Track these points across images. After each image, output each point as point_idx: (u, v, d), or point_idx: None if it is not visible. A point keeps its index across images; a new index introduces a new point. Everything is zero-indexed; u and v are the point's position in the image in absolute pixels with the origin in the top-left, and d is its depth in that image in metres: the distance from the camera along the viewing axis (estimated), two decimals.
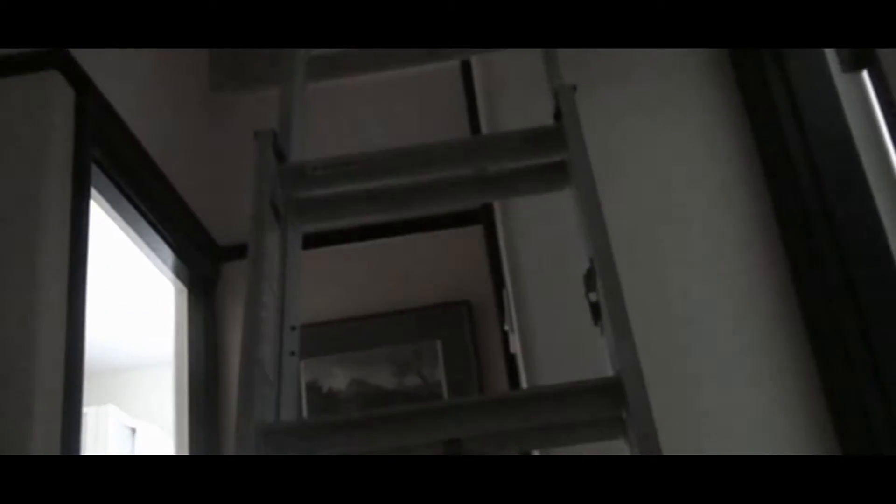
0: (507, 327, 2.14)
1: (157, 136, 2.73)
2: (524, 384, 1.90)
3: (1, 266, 2.00)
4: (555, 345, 1.79)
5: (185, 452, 2.87)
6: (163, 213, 2.76)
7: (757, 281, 1.83)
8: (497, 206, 2.12)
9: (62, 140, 2.16)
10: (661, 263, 1.84)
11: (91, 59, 2.30)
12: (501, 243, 2.07)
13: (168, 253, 2.87)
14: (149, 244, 2.78)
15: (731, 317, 1.81)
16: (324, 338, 3.00)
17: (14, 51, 2.16)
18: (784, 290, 1.81)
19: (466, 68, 2.39)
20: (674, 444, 1.16)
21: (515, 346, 2.01)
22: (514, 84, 2.01)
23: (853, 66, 1.87)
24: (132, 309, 4.55)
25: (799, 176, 1.88)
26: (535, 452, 1.65)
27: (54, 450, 1.90)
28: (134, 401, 5.13)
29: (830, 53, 1.90)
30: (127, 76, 2.64)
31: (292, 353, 1.30)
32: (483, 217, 2.42)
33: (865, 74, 1.89)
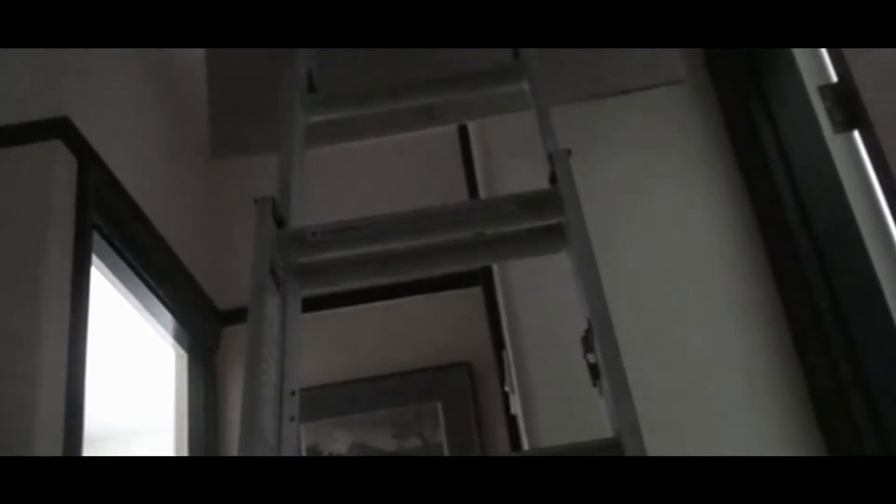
0: (507, 388, 2.14)
1: (157, 202, 2.75)
2: (525, 445, 1.89)
3: (2, 331, 2.01)
4: (555, 405, 1.79)
5: None
6: (163, 278, 2.77)
7: (755, 338, 1.83)
8: (496, 267, 2.14)
9: (63, 207, 2.18)
10: (660, 322, 1.84)
11: (93, 128, 2.34)
12: (501, 305, 2.08)
13: (168, 318, 2.88)
14: (149, 309, 2.79)
15: (731, 375, 1.81)
16: (324, 401, 2.99)
17: (17, 121, 2.19)
18: (783, 346, 1.82)
19: (464, 133, 2.42)
20: None
21: (516, 407, 2.00)
22: (511, 147, 2.03)
23: (844, 127, 1.90)
24: (132, 375, 4.53)
25: (794, 234, 1.90)
26: None
27: None
28: None
29: (822, 114, 1.93)
30: (128, 144, 2.67)
31: (292, 418, 1.30)
32: (483, 278, 2.43)
33: (857, 134, 1.91)
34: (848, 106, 1.89)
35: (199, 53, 2.11)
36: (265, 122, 1.92)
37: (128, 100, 2.77)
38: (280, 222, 1.37)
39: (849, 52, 1.91)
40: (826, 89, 1.93)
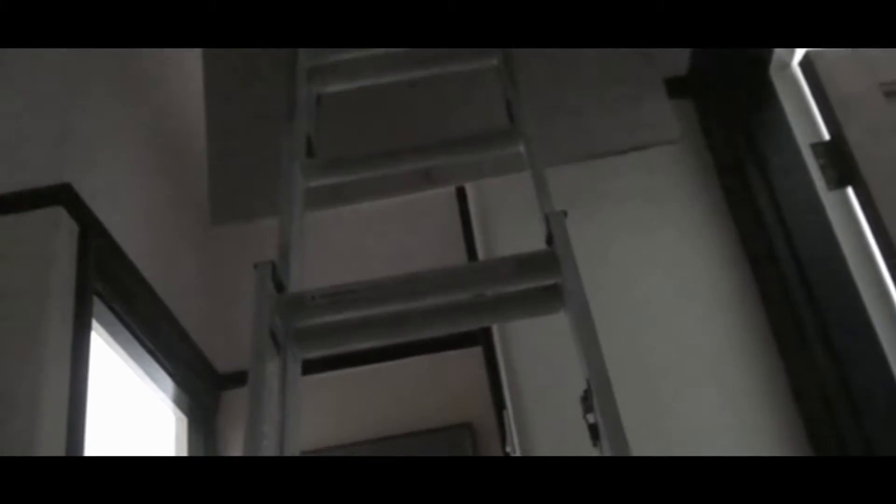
0: (508, 449, 2.13)
1: (158, 267, 2.76)
2: None
3: (2, 398, 2.01)
4: None
5: None
6: (163, 342, 2.77)
7: (756, 396, 1.83)
8: (495, 328, 2.14)
9: (65, 273, 2.19)
10: (659, 380, 1.84)
11: (94, 194, 2.36)
12: (501, 365, 2.08)
13: (168, 382, 2.88)
14: (149, 373, 2.79)
15: (732, 433, 1.80)
16: None
17: (20, 188, 2.21)
18: (782, 400, 1.82)
19: (461, 194, 2.44)
20: None
21: None
22: (508, 208, 2.05)
23: (838, 184, 1.92)
24: (132, 438, 4.50)
25: (791, 287, 1.91)
26: None
27: None
28: None
29: (815, 171, 1.95)
30: (129, 209, 2.69)
31: None
32: (482, 339, 2.43)
33: (850, 191, 1.93)
34: (841, 163, 1.92)
35: (199, 121, 2.14)
36: (265, 186, 1.94)
37: (129, 166, 2.80)
38: (280, 286, 1.38)
39: (840, 110, 1.94)
40: (819, 147, 1.95)
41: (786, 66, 2.07)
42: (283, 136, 1.66)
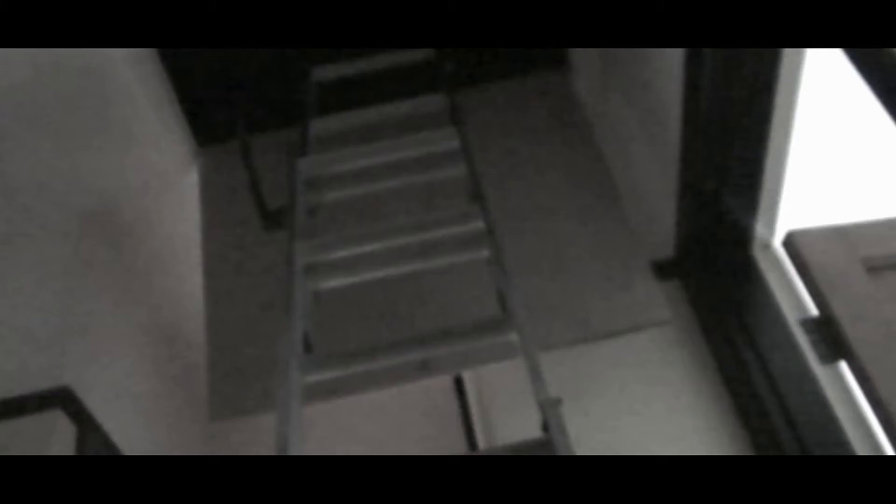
0: None
1: None
2: None
3: None
4: None
5: None
6: None
7: None
8: None
9: None
10: None
11: (93, 395, 2.36)
12: None
13: None
14: None
15: None
16: None
17: (18, 393, 2.23)
18: None
19: (459, 381, 2.45)
20: None
21: None
22: (506, 394, 2.07)
23: (830, 359, 1.94)
24: None
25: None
26: None
27: None
28: None
29: (807, 347, 1.98)
30: (127, 409, 2.69)
31: None
32: None
33: (843, 364, 1.95)
34: (831, 339, 1.94)
35: (198, 314, 2.17)
36: (264, 381, 1.96)
37: (128, 366, 2.81)
38: None
39: (825, 287, 1.98)
40: (808, 323, 1.99)
41: (768, 245, 2.14)
42: (280, 332, 1.69)
